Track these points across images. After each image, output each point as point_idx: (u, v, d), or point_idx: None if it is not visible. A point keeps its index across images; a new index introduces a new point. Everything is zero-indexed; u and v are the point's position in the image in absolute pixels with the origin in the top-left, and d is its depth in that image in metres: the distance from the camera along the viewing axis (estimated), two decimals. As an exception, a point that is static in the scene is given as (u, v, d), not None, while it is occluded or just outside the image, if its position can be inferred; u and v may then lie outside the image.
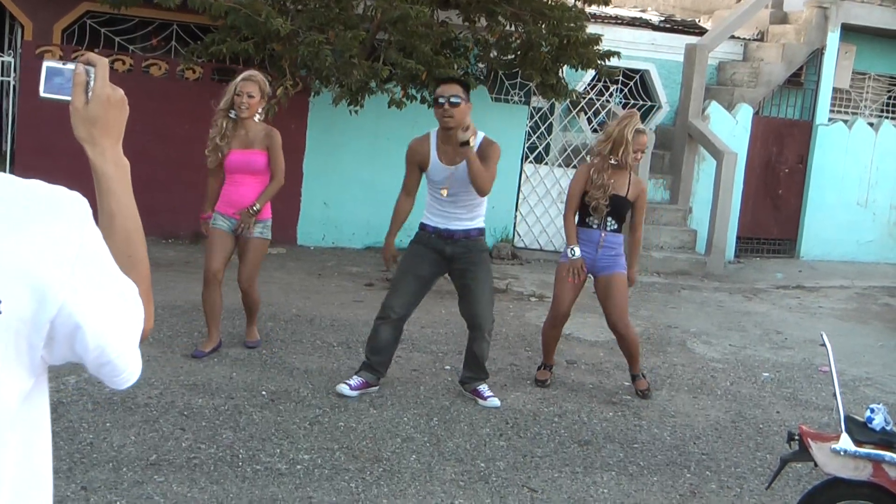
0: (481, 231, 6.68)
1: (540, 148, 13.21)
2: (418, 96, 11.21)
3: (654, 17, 15.54)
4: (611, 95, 13.58)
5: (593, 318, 8.96)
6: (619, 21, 14.42)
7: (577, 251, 6.99)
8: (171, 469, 5.13)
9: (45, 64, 1.67)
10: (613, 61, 11.76)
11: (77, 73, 1.65)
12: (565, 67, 11.90)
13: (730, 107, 13.96)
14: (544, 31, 11.10)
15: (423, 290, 6.75)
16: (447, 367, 7.42)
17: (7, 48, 12.47)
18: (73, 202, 1.43)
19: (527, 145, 13.12)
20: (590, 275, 7.13)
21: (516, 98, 13.16)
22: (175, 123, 11.68)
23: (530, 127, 13.16)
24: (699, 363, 8.34)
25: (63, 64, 1.67)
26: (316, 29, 10.44)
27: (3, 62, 11.45)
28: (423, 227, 6.72)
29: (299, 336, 7.95)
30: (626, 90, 13.97)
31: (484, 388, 6.68)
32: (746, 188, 14.06)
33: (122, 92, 1.69)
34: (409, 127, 12.12)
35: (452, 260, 6.58)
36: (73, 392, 6.09)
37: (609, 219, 7.03)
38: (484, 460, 5.61)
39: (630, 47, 13.38)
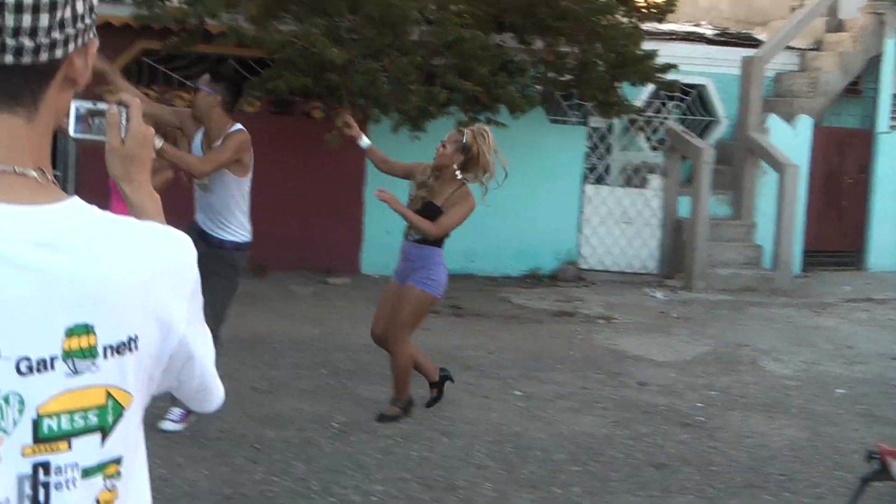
0: (236, 245, 6.11)
1: (600, 168, 13.14)
2: (482, 118, 11.19)
3: (709, 31, 15.41)
4: (669, 112, 13.50)
5: (661, 338, 8.88)
6: (674, 36, 14.32)
7: (364, 141, 7.01)
8: (245, 503, 5.13)
9: (74, 104, 1.65)
10: (670, 75, 11.69)
11: (111, 112, 1.66)
12: (623, 85, 11.84)
13: (789, 118, 13.77)
14: (600, 50, 11.06)
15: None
16: (517, 393, 7.36)
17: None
18: (185, 242, 1.50)
19: (586, 166, 13.05)
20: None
21: (574, 119, 13.10)
22: (233, 158, 11.77)
23: (589, 147, 13.10)
24: (771, 381, 8.20)
25: (94, 104, 1.67)
26: (371, 57, 10.49)
27: (64, 105, 11.62)
28: (192, 223, 6.13)
29: (367, 366, 7.91)
30: (683, 106, 13.85)
31: (175, 410, 6.11)
32: (810, 200, 13.85)
33: (152, 130, 1.75)
34: (467, 150, 12.16)
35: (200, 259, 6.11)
36: (153, 432, 6.12)
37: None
38: (559, 486, 5.54)
39: (686, 62, 13.26)
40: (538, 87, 12.11)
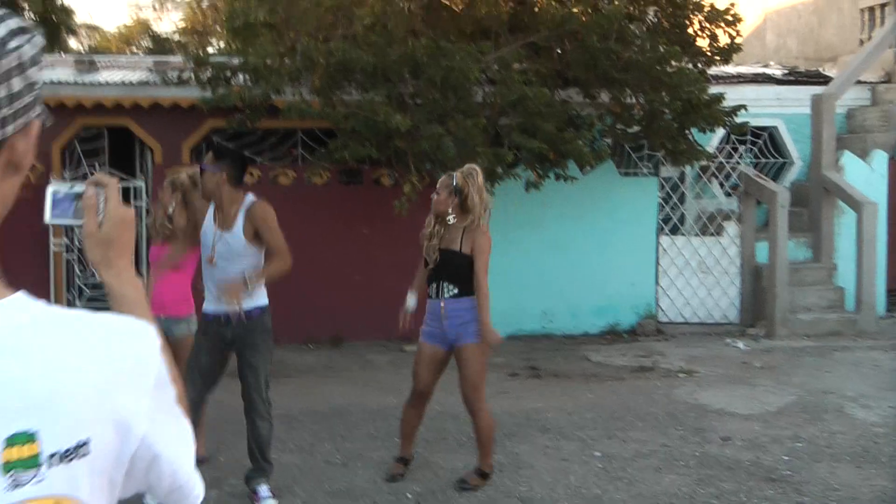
0: (263, 309, 6.07)
1: (674, 218, 12.98)
2: (551, 175, 11.13)
3: (777, 71, 15.20)
4: (741, 157, 13.31)
5: (744, 390, 8.64)
6: (742, 79, 14.15)
7: (410, 300, 6.68)
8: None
9: (51, 188, 1.61)
10: (740, 118, 11.54)
11: (87, 195, 1.59)
12: (693, 132, 11.72)
13: (863, 154, 13.46)
14: (666, 98, 10.97)
15: (212, 381, 6.17)
16: (596, 453, 7.19)
17: (139, 173, 12.92)
18: (145, 330, 1.40)
19: (660, 217, 12.91)
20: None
21: (645, 170, 12.98)
22: (307, 229, 11.87)
23: (662, 198, 12.96)
24: (859, 429, 7.89)
25: (70, 187, 1.61)
26: (436, 121, 10.53)
27: (134, 187, 11.88)
28: (203, 315, 6.14)
29: (444, 434, 7.83)
30: (755, 149, 13.64)
31: (263, 487, 6.14)
32: (891, 238, 13.44)
33: (132, 211, 1.65)
34: (538, 208, 12.13)
35: (232, 343, 6.06)
36: (218, 507, 6.14)
37: (446, 284, 6.36)
38: (640, 552, 5.37)
39: (755, 104, 13.05)
40: (607, 140, 12.05)
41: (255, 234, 5.90)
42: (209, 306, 6.06)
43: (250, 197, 6.02)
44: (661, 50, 10.84)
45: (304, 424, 8.09)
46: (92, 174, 10.10)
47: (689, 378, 9.83)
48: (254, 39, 11.36)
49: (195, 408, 6.03)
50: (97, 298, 11.85)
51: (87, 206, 1.59)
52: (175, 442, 1.43)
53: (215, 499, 6.25)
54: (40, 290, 11.50)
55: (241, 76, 11.30)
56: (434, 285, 6.40)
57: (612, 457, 7.08)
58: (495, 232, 12.10)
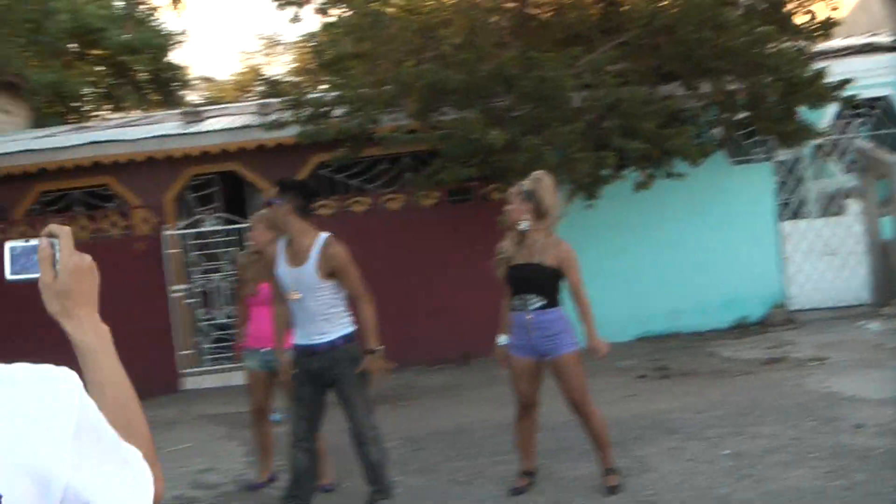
0: (347, 338, 6.05)
1: (793, 202, 12.59)
2: (658, 174, 10.91)
3: (886, 39, 14.60)
4: (856, 131, 12.82)
5: (878, 374, 8.29)
6: (850, 51, 13.64)
7: (501, 339, 6.50)
8: None
9: (8, 245, 1.61)
10: (850, 91, 11.14)
11: (41, 247, 1.59)
12: (804, 111, 11.36)
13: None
14: (768, 81, 10.65)
15: (317, 410, 6.20)
16: (725, 452, 6.98)
17: (249, 215, 13.15)
18: (62, 377, 1.35)
19: (779, 202, 12.54)
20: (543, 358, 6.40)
21: (759, 156, 12.62)
22: (421, 251, 11.93)
23: (778, 182, 12.58)
24: None
25: (26, 241, 1.61)
26: (533, 132, 10.44)
27: (248, 228, 12.08)
28: (294, 346, 6.17)
29: (567, 443, 7.71)
30: (870, 122, 13.12)
31: None
32: None
33: (89, 258, 1.63)
34: (653, 209, 11.92)
35: (323, 374, 6.03)
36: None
37: (530, 296, 6.25)
38: (769, 550, 5.16)
39: (867, 75, 12.55)
40: (715, 130, 11.76)
41: (331, 273, 5.94)
42: (297, 339, 6.13)
43: (324, 235, 6.04)
44: (756, 32, 10.51)
45: (428, 445, 8.09)
46: (203, 221, 10.34)
47: (820, 366, 9.48)
48: (345, 71, 11.50)
49: (307, 439, 6.13)
50: (224, 339, 12.11)
51: (41, 259, 1.59)
52: (111, 488, 1.36)
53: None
54: (165, 335, 11.84)
55: (338, 109, 11.43)
56: (517, 298, 6.32)
57: (741, 454, 6.86)
58: (610, 235, 12.07)
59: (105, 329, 1.65)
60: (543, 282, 6.24)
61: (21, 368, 1.35)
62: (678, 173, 10.91)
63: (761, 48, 10.62)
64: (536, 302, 6.24)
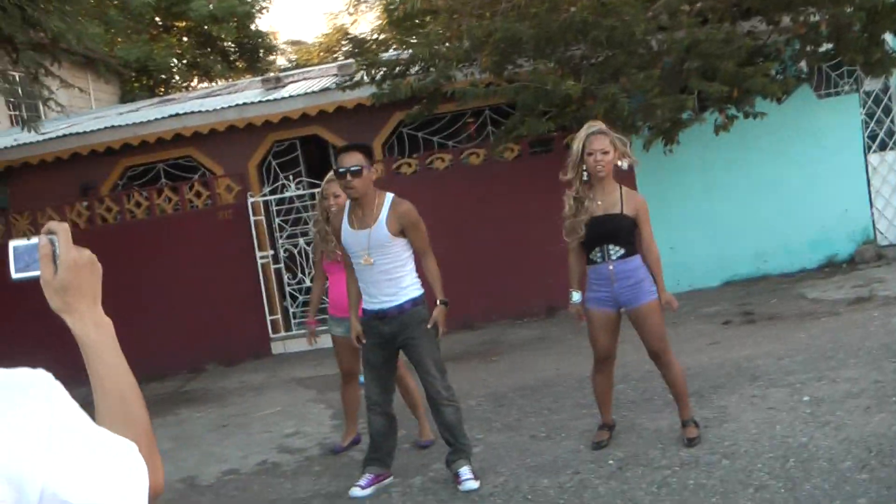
0: (415, 301, 6.15)
1: (881, 133, 12.21)
2: (740, 114, 10.66)
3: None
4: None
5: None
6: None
7: (575, 296, 6.39)
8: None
9: (12, 244, 1.64)
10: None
11: (41, 245, 1.62)
12: (889, 38, 10.99)
13: None
14: (850, 10, 10.31)
15: (388, 374, 6.37)
16: (805, 399, 6.86)
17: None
18: (34, 380, 1.38)
19: (867, 134, 12.17)
20: (622, 309, 6.35)
21: (847, 88, 12.26)
22: (503, 205, 11.91)
23: (866, 114, 12.21)
24: None
25: (28, 240, 1.64)
26: (609, 79, 10.31)
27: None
28: (363, 311, 6.31)
29: (650, 394, 7.69)
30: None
31: (464, 469, 6.23)
32: None
33: (88, 252, 1.66)
34: (737, 149, 11.70)
35: (393, 338, 6.16)
36: (419, 493, 6.26)
37: (610, 246, 6.21)
38: (843, 499, 5.08)
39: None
40: (800, 64, 11.45)
41: (400, 231, 6.04)
42: (365, 304, 6.25)
43: (390, 194, 6.15)
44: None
45: (512, 401, 8.13)
46: (287, 187, 10.48)
47: (908, 303, 9.26)
48: (418, 28, 11.48)
49: (382, 403, 6.29)
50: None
51: (41, 256, 1.62)
52: (94, 487, 1.38)
53: (420, 485, 6.39)
54: (255, 300, 12.08)
55: (413, 67, 11.44)
56: (597, 250, 6.26)
57: (821, 400, 6.74)
58: (695, 178, 11.90)
59: (107, 322, 1.67)
60: (623, 231, 6.23)
61: None
62: (759, 113, 10.64)
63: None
64: (618, 251, 6.22)
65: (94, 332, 1.64)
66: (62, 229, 1.64)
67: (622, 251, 6.22)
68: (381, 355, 6.25)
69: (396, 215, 6.04)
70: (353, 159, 6.01)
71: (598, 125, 6.29)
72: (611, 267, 6.23)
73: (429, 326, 6.13)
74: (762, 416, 6.66)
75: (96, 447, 1.41)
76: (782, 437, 6.18)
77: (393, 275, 6.10)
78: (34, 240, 1.65)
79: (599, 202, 6.20)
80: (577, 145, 6.19)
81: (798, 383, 7.27)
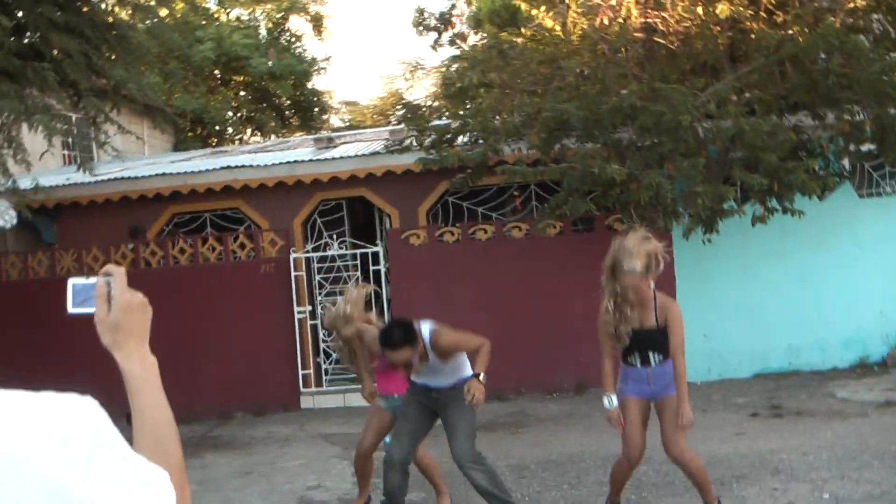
0: (467, 379, 6.35)
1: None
2: (779, 208, 10.72)
3: None
4: None
5: None
6: None
7: (612, 401, 6.38)
8: None
9: (71, 281, 1.79)
10: None
11: (98, 285, 1.76)
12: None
13: None
14: (894, 111, 10.40)
15: (418, 434, 6.72)
16: (826, 496, 6.88)
17: (378, 239, 13.49)
18: (81, 405, 1.51)
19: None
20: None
21: (889, 189, 12.34)
22: (542, 280, 12.03)
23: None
24: None
25: (87, 279, 1.79)
26: (654, 165, 10.45)
27: (372, 252, 12.43)
28: (412, 382, 6.74)
29: (671, 477, 7.72)
30: None
31: None
32: None
33: (140, 296, 1.78)
34: (777, 241, 11.77)
35: (438, 399, 6.57)
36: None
37: (651, 353, 6.29)
38: None
39: None
40: (843, 161, 11.54)
41: (445, 353, 6.41)
42: (418, 379, 6.66)
43: (427, 331, 6.40)
44: (883, 61, 10.28)
45: (535, 473, 8.19)
46: (330, 245, 10.67)
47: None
48: (472, 100, 11.73)
49: (403, 460, 6.56)
50: (344, 361, 12.45)
51: (98, 295, 1.76)
52: None
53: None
54: (289, 354, 12.24)
55: (460, 137, 11.66)
56: (636, 355, 6.36)
57: (841, 499, 6.76)
58: (733, 267, 11.96)
59: (152, 360, 1.80)
60: (660, 342, 6.32)
61: (46, 396, 1.52)
62: (797, 210, 10.64)
63: (891, 76, 10.37)
64: (657, 357, 6.34)
65: (140, 368, 1.77)
66: (119, 273, 1.79)
67: (661, 357, 6.33)
68: (419, 410, 6.64)
69: (437, 350, 6.38)
70: (403, 357, 6.23)
71: (629, 257, 6.14)
72: (648, 371, 6.34)
73: (465, 401, 6.25)
74: (781, 510, 6.69)
75: (132, 472, 1.54)
76: (800, 531, 6.21)
77: (450, 373, 6.55)
78: (92, 279, 1.79)
79: (636, 312, 6.30)
80: (610, 273, 6.19)
81: (820, 480, 7.28)
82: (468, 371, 6.47)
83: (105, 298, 1.77)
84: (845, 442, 8.39)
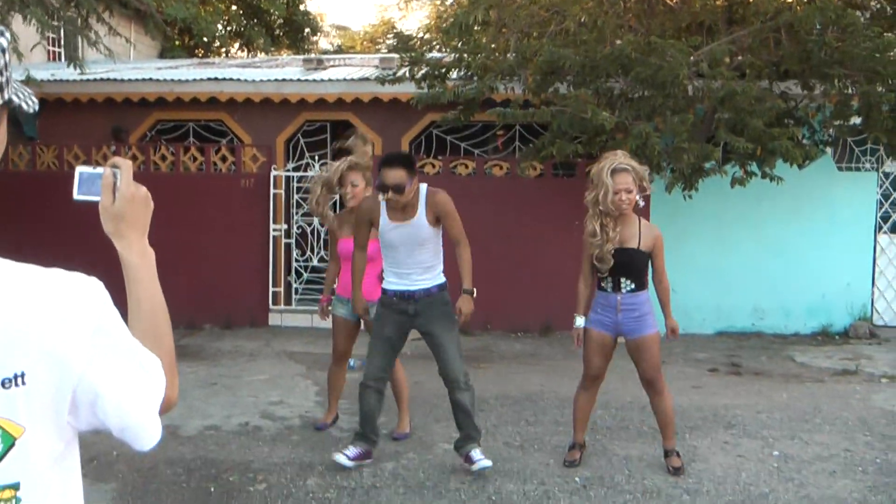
0: (441, 286, 6.47)
1: (894, 216, 12.41)
2: (759, 172, 10.82)
3: None
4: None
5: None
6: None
7: (579, 321, 6.60)
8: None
9: (79, 169, 1.85)
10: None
11: (105, 175, 1.82)
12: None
13: None
14: (881, 90, 10.49)
15: (395, 351, 6.68)
16: (775, 453, 7.07)
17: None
18: (88, 285, 1.60)
19: (879, 214, 12.39)
20: (619, 337, 6.60)
21: (868, 165, 12.47)
22: (518, 221, 12.11)
23: (882, 195, 12.42)
24: None
25: (94, 168, 1.84)
26: (643, 117, 10.51)
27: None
28: (384, 291, 6.59)
29: (627, 423, 7.90)
30: None
31: (476, 451, 6.51)
32: None
33: (145, 189, 1.86)
34: (752, 205, 11.90)
35: (416, 316, 6.46)
36: (389, 477, 6.47)
37: (623, 279, 6.43)
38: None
39: None
40: (827, 132, 11.64)
41: (436, 220, 6.34)
42: (391, 286, 6.51)
43: (424, 186, 6.39)
44: (876, 41, 10.33)
45: (493, 408, 8.32)
46: (311, 166, 10.71)
47: (891, 384, 9.44)
48: (468, 38, 11.69)
49: (379, 379, 6.58)
50: (315, 281, 12.53)
51: (104, 185, 1.83)
52: (122, 386, 1.60)
53: (391, 470, 6.58)
54: (262, 271, 12.30)
55: (454, 73, 11.64)
56: (609, 279, 6.48)
57: (790, 457, 6.95)
58: (707, 227, 12.11)
59: (151, 252, 1.88)
60: (637, 266, 6.44)
61: (55, 272, 1.61)
62: (777, 177, 10.74)
63: (883, 55, 10.44)
64: (629, 285, 6.44)
65: (139, 258, 1.85)
66: (126, 165, 1.85)
67: (633, 285, 6.44)
68: (396, 331, 6.54)
69: (432, 203, 6.32)
70: (396, 177, 6.16)
71: (623, 160, 6.44)
72: (619, 298, 6.45)
73: (456, 315, 6.42)
74: (730, 461, 6.87)
75: (131, 354, 1.64)
76: (745, 484, 6.39)
77: (429, 264, 6.44)
78: (99, 169, 1.85)
79: (616, 233, 6.41)
80: (602, 178, 6.30)
81: (771, 438, 7.47)
82: (443, 275, 6.49)
83: (111, 189, 1.83)
84: (799, 405, 8.59)
